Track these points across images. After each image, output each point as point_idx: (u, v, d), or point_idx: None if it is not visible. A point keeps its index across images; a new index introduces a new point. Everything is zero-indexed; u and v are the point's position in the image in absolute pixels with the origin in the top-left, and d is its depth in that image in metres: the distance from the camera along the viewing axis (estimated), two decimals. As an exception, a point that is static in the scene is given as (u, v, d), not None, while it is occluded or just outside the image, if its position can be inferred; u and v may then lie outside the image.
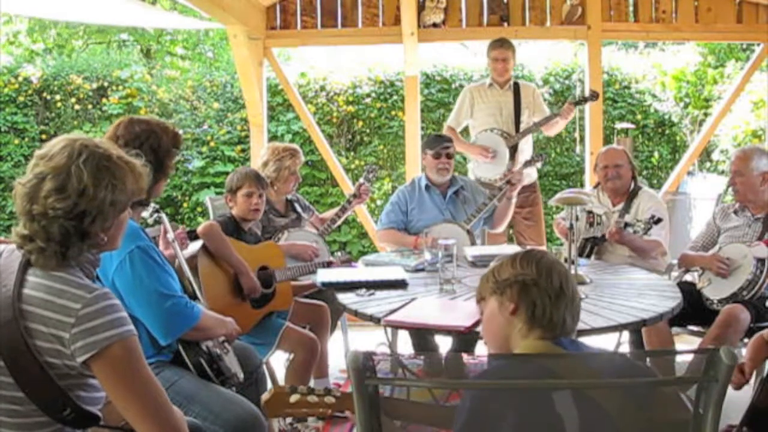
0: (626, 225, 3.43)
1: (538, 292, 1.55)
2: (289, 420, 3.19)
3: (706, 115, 6.98)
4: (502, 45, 4.52)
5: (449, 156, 4.01)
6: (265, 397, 1.55)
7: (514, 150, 4.46)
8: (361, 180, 4.00)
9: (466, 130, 4.80)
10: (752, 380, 2.33)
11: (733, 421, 2.17)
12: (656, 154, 7.19)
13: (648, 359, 1.56)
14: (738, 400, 2.21)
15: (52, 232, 1.50)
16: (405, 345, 3.83)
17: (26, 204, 1.53)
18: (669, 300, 2.66)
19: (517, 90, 4.57)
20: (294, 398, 1.53)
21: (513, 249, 3.56)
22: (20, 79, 7.12)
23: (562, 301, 1.54)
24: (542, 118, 4.48)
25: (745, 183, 3.33)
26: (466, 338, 2.97)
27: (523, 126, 4.52)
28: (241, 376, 2.38)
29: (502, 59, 4.51)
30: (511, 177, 4.00)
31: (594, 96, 4.58)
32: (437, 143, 4.02)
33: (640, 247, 3.56)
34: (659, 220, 3.35)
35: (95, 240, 1.56)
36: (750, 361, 2.29)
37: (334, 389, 1.58)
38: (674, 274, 3.72)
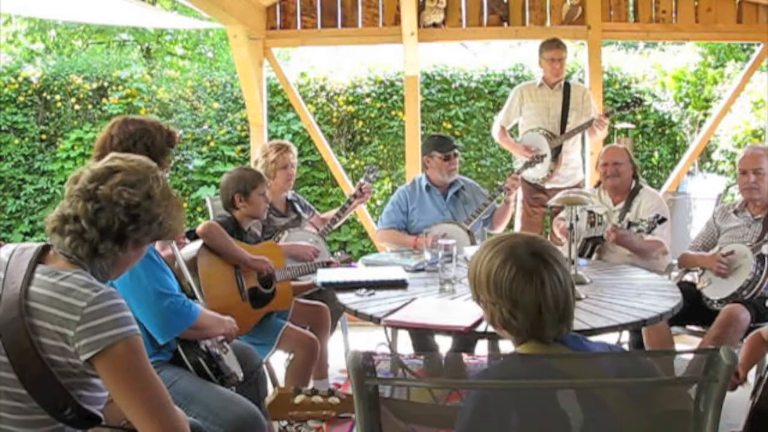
0: (630, 224, 3.42)
1: (502, 312, 1.52)
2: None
3: (706, 115, 6.97)
4: (558, 46, 4.49)
5: (456, 155, 4.03)
6: (269, 399, 1.55)
7: (557, 151, 4.46)
8: (362, 180, 4.00)
9: (515, 128, 4.81)
10: (752, 380, 2.33)
11: (733, 421, 2.17)
12: (656, 154, 7.19)
13: (648, 359, 1.56)
14: (737, 402, 2.20)
15: (100, 217, 1.55)
16: (405, 345, 3.84)
17: (91, 183, 1.58)
18: (669, 300, 2.66)
19: (567, 91, 4.54)
20: (298, 399, 1.54)
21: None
22: (20, 79, 7.11)
23: (528, 314, 1.49)
24: (583, 122, 4.46)
25: (765, 180, 3.31)
26: (466, 338, 2.98)
27: (569, 128, 4.50)
28: (240, 375, 2.38)
29: (558, 59, 4.48)
30: (507, 184, 4.01)
31: (636, 102, 4.57)
32: (446, 145, 4.02)
33: (640, 248, 3.55)
34: (663, 220, 3.33)
35: (118, 251, 1.60)
36: (744, 360, 2.28)
37: (338, 391, 1.58)
38: (674, 274, 3.72)
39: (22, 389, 1.48)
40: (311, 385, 3.25)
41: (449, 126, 6.86)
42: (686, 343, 3.75)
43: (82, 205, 1.56)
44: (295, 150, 3.88)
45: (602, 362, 1.50)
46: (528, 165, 4.23)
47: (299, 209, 3.91)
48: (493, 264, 1.52)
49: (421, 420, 1.59)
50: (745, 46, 7.39)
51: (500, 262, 1.51)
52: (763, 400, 2.10)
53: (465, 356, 1.54)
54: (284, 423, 3.17)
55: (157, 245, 2.65)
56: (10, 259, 1.56)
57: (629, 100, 4.60)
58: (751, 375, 2.35)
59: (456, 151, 4.03)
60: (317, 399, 1.54)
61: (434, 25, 5.02)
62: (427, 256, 3.27)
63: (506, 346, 1.60)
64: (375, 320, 2.51)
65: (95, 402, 1.57)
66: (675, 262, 3.64)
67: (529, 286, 1.48)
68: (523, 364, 1.48)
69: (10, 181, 7.00)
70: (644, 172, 7.02)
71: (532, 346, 1.52)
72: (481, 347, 3.57)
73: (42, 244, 1.61)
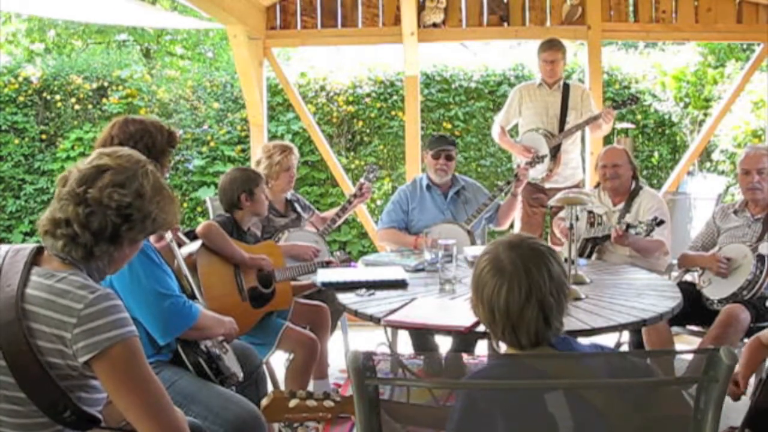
0: (628, 226, 3.42)
1: (472, 297, 1.57)
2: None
3: (706, 115, 6.96)
4: (552, 47, 4.49)
5: (449, 158, 4.02)
6: (264, 402, 1.55)
7: (556, 150, 4.46)
8: (362, 179, 4.00)
9: (515, 128, 4.81)
10: (751, 381, 2.33)
11: (733, 422, 2.17)
12: (656, 154, 7.19)
13: (648, 359, 1.56)
14: (737, 402, 2.21)
15: (92, 221, 1.53)
16: (405, 345, 3.83)
17: (79, 187, 1.56)
18: (669, 300, 2.66)
19: (566, 91, 4.54)
20: (293, 403, 1.54)
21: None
22: (20, 79, 7.11)
23: (485, 309, 1.53)
24: (582, 120, 4.46)
25: None
26: (466, 338, 2.97)
27: (567, 128, 4.49)
28: (240, 375, 2.38)
29: (551, 61, 4.48)
30: (519, 172, 4.02)
31: (633, 100, 4.59)
32: (437, 144, 4.03)
33: (644, 247, 3.55)
34: (661, 222, 3.33)
35: (113, 251, 1.59)
36: (745, 368, 2.27)
37: (333, 393, 1.58)
38: (674, 274, 3.72)
39: (20, 393, 1.47)
40: (311, 385, 3.25)
41: (449, 126, 6.86)
42: (686, 343, 3.75)
43: (72, 209, 1.54)
44: (297, 151, 3.89)
45: (591, 363, 1.49)
46: (531, 163, 4.23)
47: (299, 209, 3.91)
48: (483, 252, 1.58)
49: (416, 421, 1.60)
50: (745, 46, 7.38)
51: (484, 251, 1.57)
52: (763, 400, 2.10)
53: (465, 356, 1.55)
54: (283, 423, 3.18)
55: (152, 238, 2.64)
56: (4, 260, 1.54)
57: (625, 98, 4.61)
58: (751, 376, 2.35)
59: (448, 153, 4.01)
60: (312, 403, 1.54)
61: (434, 25, 5.02)
62: (427, 256, 3.27)
63: (505, 346, 1.62)
64: (375, 320, 2.51)
65: (94, 403, 1.57)
66: (675, 262, 3.64)
67: (490, 283, 1.51)
68: (510, 366, 1.48)
69: (10, 181, 7.00)
70: (644, 172, 7.02)
71: (513, 349, 1.53)
72: (481, 347, 3.57)
73: (36, 245, 1.59)
